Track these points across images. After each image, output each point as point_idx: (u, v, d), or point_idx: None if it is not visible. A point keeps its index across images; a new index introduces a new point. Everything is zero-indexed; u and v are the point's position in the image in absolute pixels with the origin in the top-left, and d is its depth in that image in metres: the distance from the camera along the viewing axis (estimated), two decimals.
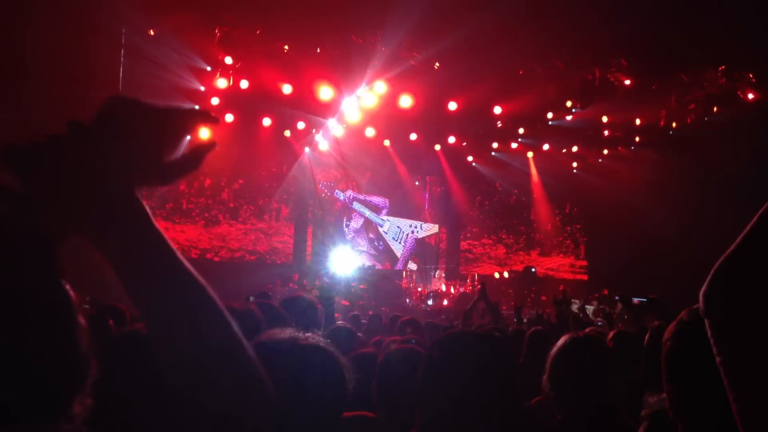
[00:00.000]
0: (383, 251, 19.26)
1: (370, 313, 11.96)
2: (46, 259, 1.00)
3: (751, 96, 13.92)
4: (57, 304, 1.01)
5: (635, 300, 5.89)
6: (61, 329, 1.01)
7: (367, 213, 19.19)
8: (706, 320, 1.23)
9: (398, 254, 19.40)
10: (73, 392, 1.03)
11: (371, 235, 19.28)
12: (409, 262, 19.35)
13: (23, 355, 0.96)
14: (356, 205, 19.08)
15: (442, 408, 2.05)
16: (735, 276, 1.20)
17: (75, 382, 1.03)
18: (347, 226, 18.91)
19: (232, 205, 16.91)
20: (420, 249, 19.17)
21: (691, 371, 1.62)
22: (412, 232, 19.76)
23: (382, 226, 19.42)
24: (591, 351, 2.69)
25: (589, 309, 13.71)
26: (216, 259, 16.48)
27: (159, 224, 0.97)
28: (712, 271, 1.22)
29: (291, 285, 15.58)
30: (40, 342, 0.98)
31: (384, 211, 19.37)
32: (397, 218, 19.51)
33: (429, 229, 19.72)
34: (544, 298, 16.77)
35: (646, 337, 3.77)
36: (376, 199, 19.44)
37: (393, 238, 19.52)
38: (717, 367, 1.31)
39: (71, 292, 1.03)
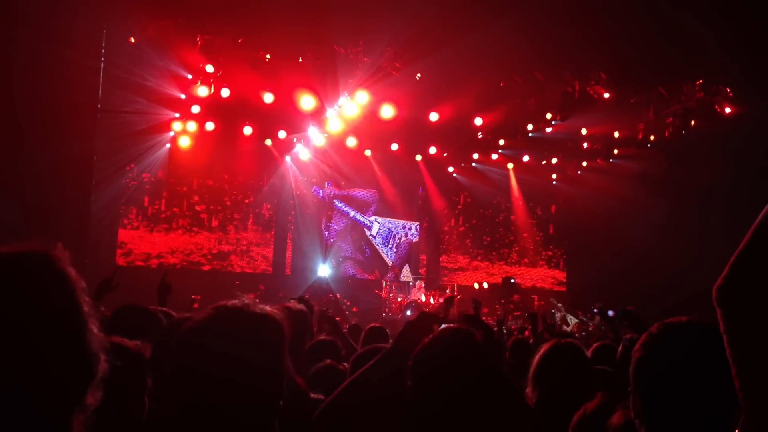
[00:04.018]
0: (370, 257, 17.92)
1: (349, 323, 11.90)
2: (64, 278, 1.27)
3: (728, 110, 14.10)
4: (71, 316, 1.25)
5: (610, 312, 5.93)
6: (75, 334, 1.24)
7: (352, 213, 17.70)
8: (718, 310, 1.50)
9: (389, 261, 18.03)
10: (86, 386, 1.25)
11: (356, 237, 17.75)
12: (403, 271, 17.77)
13: (44, 355, 1.18)
14: (338, 204, 17.62)
15: (433, 407, 2.06)
16: (745, 275, 1.47)
17: (88, 377, 1.25)
18: (327, 228, 17.56)
19: (212, 214, 16.76)
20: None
21: (657, 383, 1.66)
22: (406, 234, 18.24)
23: (370, 228, 17.86)
24: (571, 356, 2.77)
25: (573, 320, 13.83)
26: (195, 268, 16.33)
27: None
28: (726, 269, 1.50)
29: (262, 288, 15.62)
30: (57, 345, 1.20)
31: (372, 208, 17.80)
32: (387, 219, 17.97)
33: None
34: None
35: (619, 350, 3.80)
36: (363, 193, 17.73)
37: (383, 243, 17.94)
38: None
39: (86, 303, 1.28)
